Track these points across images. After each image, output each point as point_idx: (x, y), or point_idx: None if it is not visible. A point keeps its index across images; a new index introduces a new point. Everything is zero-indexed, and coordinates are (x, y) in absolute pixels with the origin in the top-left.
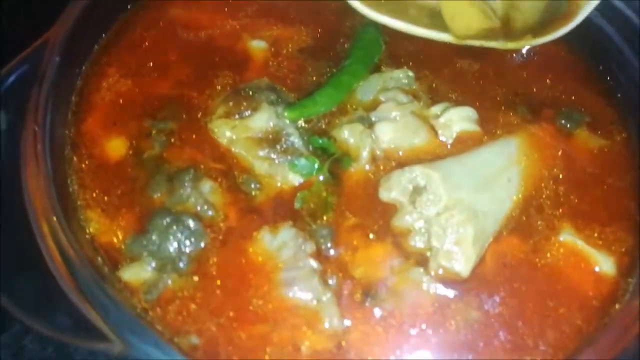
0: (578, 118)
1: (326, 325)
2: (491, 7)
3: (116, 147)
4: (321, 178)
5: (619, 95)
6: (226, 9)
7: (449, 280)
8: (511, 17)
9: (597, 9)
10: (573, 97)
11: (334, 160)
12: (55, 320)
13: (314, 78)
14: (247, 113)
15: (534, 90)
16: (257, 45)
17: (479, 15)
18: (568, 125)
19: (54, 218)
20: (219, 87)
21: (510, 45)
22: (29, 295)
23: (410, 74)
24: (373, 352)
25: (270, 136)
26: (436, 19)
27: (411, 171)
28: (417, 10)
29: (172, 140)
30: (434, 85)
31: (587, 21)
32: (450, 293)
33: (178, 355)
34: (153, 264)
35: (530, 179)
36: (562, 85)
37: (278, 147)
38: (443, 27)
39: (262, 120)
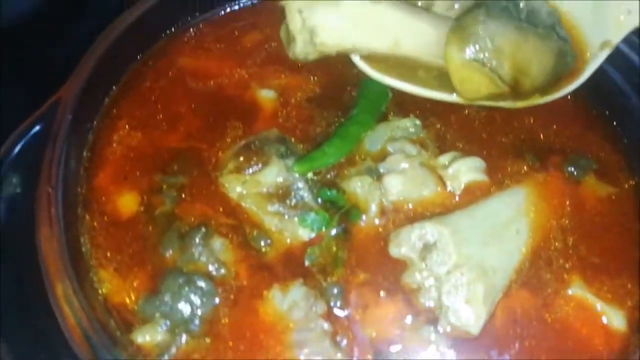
0: (585, 165)
1: None
2: (499, 75)
3: (128, 203)
4: (333, 232)
5: (625, 140)
6: (235, 57)
7: (460, 338)
8: (520, 81)
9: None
10: (580, 143)
11: (343, 213)
12: None
13: (322, 128)
14: (257, 167)
15: (541, 136)
16: (266, 95)
17: (487, 81)
18: (575, 173)
19: (68, 281)
20: (228, 140)
21: (519, 104)
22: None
23: (418, 122)
24: None
25: (280, 191)
26: (445, 80)
27: (421, 227)
28: (425, 72)
29: (183, 195)
30: (441, 133)
31: None
32: (461, 351)
33: None
34: (166, 326)
35: (539, 229)
36: (569, 131)
37: (288, 201)
38: (451, 88)
39: (272, 174)
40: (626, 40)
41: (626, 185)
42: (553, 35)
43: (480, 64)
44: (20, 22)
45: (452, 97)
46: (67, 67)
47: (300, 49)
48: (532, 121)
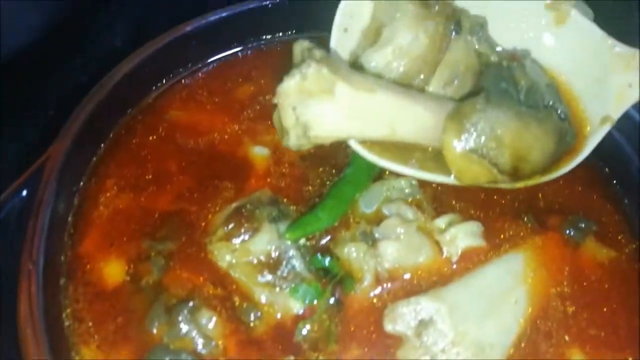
0: (585, 227)
1: None
2: (498, 167)
3: (113, 271)
4: (331, 301)
5: (626, 201)
6: (227, 111)
7: None
8: (519, 168)
9: None
10: (580, 204)
11: (337, 282)
12: None
13: (316, 187)
14: (248, 235)
15: (540, 196)
16: (259, 152)
17: (486, 172)
18: (575, 235)
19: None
20: (219, 201)
21: (519, 185)
22: None
23: (414, 182)
24: None
25: (271, 260)
26: (441, 160)
27: (416, 303)
28: (421, 153)
29: (171, 263)
30: (438, 193)
31: None
32: None
33: None
34: None
35: (538, 298)
36: (568, 190)
37: (279, 272)
38: (448, 169)
39: (263, 242)
40: None
41: (627, 250)
42: (553, 115)
43: (479, 156)
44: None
45: (450, 179)
46: (59, 111)
47: (294, 142)
48: None
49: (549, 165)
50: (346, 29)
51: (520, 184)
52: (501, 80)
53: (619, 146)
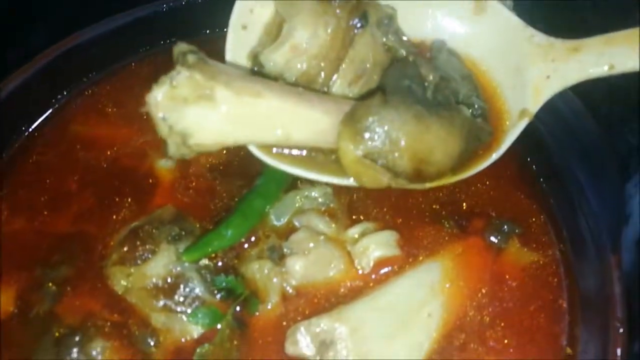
0: (509, 230)
1: None
2: (394, 171)
3: (2, 303)
4: (233, 323)
5: (551, 200)
6: (132, 122)
7: None
8: (422, 169)
9: None
10: (504, 204)
11: (241, 302)
12: None
13: (225, 201)
14: (143, 258)
15: (462, 198)
16: (164, 165)
17: (382, 175)
18: (498, 240)
19: None
20: (120, 221)
21: (429, 185)
22: None
23: (329, 190)
24: None
25: (167, 284)
26: None
27: (317, 324)
28: (324, 156)
29: (66, 289)
30: (353, 200)
31: None
32: None
33: None
34: None
35: (454, 309)
36: (494, 190)
37: (176, 297)
38: None
39: (159, 266)
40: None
41: (550, 252)
42: (462, 114)
43: (373, 161)
44: None
45: (352, 182)
46: None
47: (174, 152)
48: (454, 182)
49: (460, 164)
50: (245, 25)
51: (430, 184)
52: (404, 78)
53: (546, 142)
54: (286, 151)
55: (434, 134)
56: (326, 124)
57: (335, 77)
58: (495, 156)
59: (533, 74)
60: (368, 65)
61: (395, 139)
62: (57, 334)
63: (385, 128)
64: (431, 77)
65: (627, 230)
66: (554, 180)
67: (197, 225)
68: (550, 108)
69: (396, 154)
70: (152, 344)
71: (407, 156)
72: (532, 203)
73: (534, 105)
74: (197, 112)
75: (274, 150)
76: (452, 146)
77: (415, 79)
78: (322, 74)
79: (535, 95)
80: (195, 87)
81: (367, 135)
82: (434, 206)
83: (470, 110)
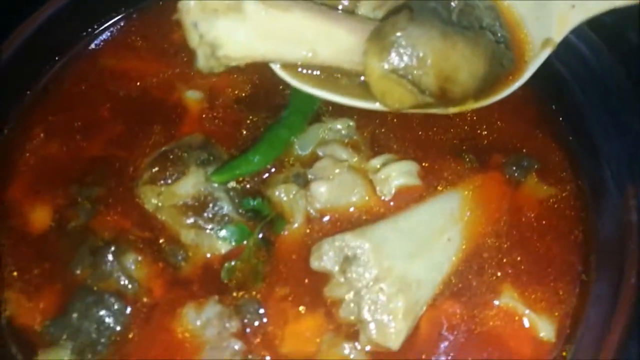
0: (528, 165)
1: None
2: (420, 87)
3: (40, 217)
4: (260, 241)
5: (570, 138)
6: (161, 56)
7: (380, 353)
8: (448, 89)
9: None
10: (524, 141)
11: (267, 223)
12: None
13: (251, 131)
14: (174, 178)
15: (484, 134)
16: (192, 96)
17: (408, 93)
18: (517, 174)
19: None
20: (149, 146)
21: (452, 110)
22: None
23: (351, 123)
24: None
25: (197, 202)
26: (368, 87)
27: (341, 240)
28: (348, 79)
29: (99, 207)
30: (376, 134)
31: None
32: None
33: None
34: (71, 347)
35: (473, 236)
36: (514, 128)
37: (205, 214)
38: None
39: (189, 185)
40: (576, 31)
41: (568, 187)
42: (486, 37)
43: (401, 76)
44: None
45: (376, 106)
46: None
47: (203, 63)
48: (475, 118)
49: (483, 90)
50: None
51: (453, 110)
52: (430, 0)
53: (567, 82)
54: (311, 72)
55: (460, 53)
56: (352, 43)
57: (359, 2)
58: (517, 84)
59: (558, 3)
60: None
61: (422, 56)
62: (92, 246)
63: (412, 44)
64: (456, 2)
65: None
66: (573, 120)
67: (225, 152)
68: (571, 49)
69: (422, 70)
70: (181, 258)
71: (433, 73)
72: (551, 141)
73: (558, 34)
74: (226, 23)
75: (299, 70)
76: (476, 66)
77: (440, 2)
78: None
79: (560, 24)
80: None
81: (393, 51)
82: (454, 141)
83: (495, 40)
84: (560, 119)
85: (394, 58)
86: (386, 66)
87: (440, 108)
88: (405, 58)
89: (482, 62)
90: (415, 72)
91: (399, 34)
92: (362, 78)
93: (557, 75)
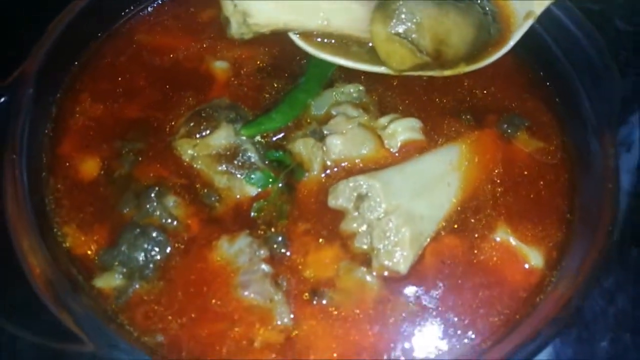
0: (519, 123)
1: (277, 322)
2: (419, 47)
3: (89, 168)
4: (283, 186)
5: (557, 100)
6: (190, 33)
7: (390, 277)
8: (442, 51)
9: (540, 20)
10: (516, 103)
11: (289, 171)
12: (37, 328)
13: (272, 96)
14: (207, 132)
15: (480, 97)
16: (219, 66)
17: (410, 54)
18: (509, 130)
19: (33, 236)
20: (183, 109)
21: (446, 73)
22: (14, 307)
23: (361, 88)
24: (318, 344)
25: (229, 152)
26: (375, 53)
27: (355, 181)
28: (358, 47)
29: (140, 158)
30: (383, 97)
31: (531, 31)
32: (391, 289)
33: (141, 355)
34: (123, 272)
35: (470, 182)
36: (507, 92)
37: (236, 162)
38: (382, 61)
39: (221, 138)
40: (561, 6)
41: (554, 142)
42: (475, 9)
43: (402, 38)
44: None
45: (382, 69)
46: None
47: (235, 30)
48: (471, 83)
49: (473, 55)
50: None
51: (447, 72)
52: None
53: (553, 52)
54: (326, 41)
55: (452, 19)
56: (361, 13)
57: None
58: (504, 50)
59: None
60: None
61: (419, 21)
62: (136, 190)
63: (411, 11)
64: None
65: (629, 157)
66: (559, 85)
67: (250, 113)
68: (557, 22)
69: (420, 34)
70: (214, 200)
71: (429, 36)
72: (540, 103)
73: (539, 7)
74: None
75: (315, 40)
76: (466, 32)
77: None
78: None
79: None
80: None
81: (395, 17)
82: (453, 103)
83: (482, 12)
84: (548, 84)
85: (396, 23)
86: (390, 30)
87: (436, 70)
88: (406, 23)
89: (471, 29)
90: (414, 34)
91: (400, 3)
92: (370, 44)
93: (546, 46)
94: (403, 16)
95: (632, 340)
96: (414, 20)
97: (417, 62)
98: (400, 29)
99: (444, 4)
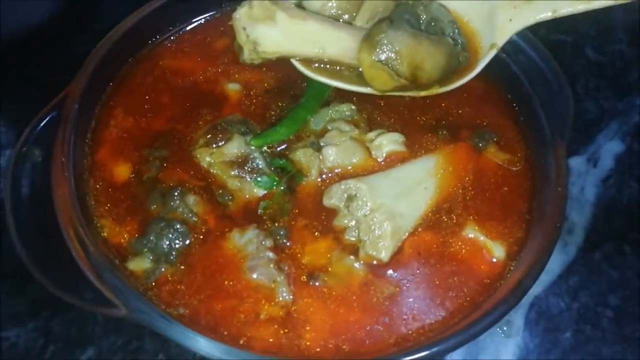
0: (489, 137)
1: (279, 299)
2: (397, 72)
3: (122, 171)
4: (285, 188)
5: (522, 119)
6: (207, 58)
7: (374, 264)
8: (417, 75)
9: (506, 50)
10: (487, 121)
11: (290, 176)
12: (82, 296)
13: (277, 113)
14: (222, 143)
15: (455, 116)
16: (232, 88)
17: (390, 78)
18: (480, 144)
19: (78, 226)
20: (201, 122)
21: (423, 93)
22: (64, 279)
23: (353, 107)
24: (313, 318)
25: (240, 160)
26: (363, 77)
27: (346, 184)
28: (348, 71)
29: (165, 164)
30: (372, 115)
31: (501, 61)
32: (374, 274)
33: (162, 316)
34: (151, 257)
35: (445, 187)
36: (479, 111)
37: (246, 168)
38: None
39: (233, 147)
40: (526, 38)
41: (519, 154)
42: (445, 40)
43: (384, 64)
44: (35, 33)
45: (368, 90)
46: (75, 67)
47: (247, 56)
48: (448, 104)
49: (445, 78)
50: None
51: (423, 93)
52: (405, 13)
53: (518, 76)
54: (321, 66)
55: (425, 49)
56: (350, 43)
57: (356, 18)
58: (471, 74)
59: (500, 18)
60: (380, 9)
61: (398, 50)
62: (162, 190)
63: (391, 42)
64: (424, 16)
65: (596, 171)
66: (523, 104)
67: (258, 128)
68: (522, 52)
69: (398, 61)
70: (228, 199)
71: (406, 63)
72: (507, 121)
73: (500, 40)
74: (264, 28)
75: (314, 65)
76: (438, 59)
77: (413, 15)
78: (347, 15)
79: (501, 33)
80: (264, 10)
81: (378, 47)
82: (432, 121)
83: (453, 43)
84: (514, 104)
85: (379, 52)
86: (374, 58)
87: (414, 91)
88: (387, 52)
89: (442, 57)
90: (393, 62)
91: (382, 35)
92: (359, 69)
93: (513, 73)
94: (385, 46)
95: (592, 332)
96: (394, 50)
97: (397, 85)
98: (383, 57)
99: (419, 35)
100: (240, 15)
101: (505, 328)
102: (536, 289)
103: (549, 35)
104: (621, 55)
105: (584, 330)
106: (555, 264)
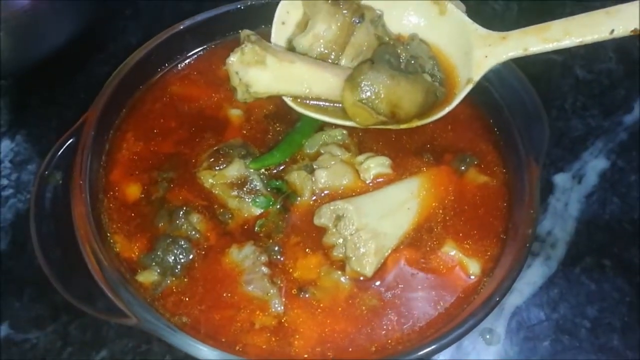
0: (470, 161)
1: (272, 309)
2: (377, 110)
3: (133, 191)
4: (280, 207)
5: (501, 143)
6: (212, 85)
7: (359, 279)
8: (396, 112)
9: (489, 79)
10: (468, 145)
11: (285, 196)
12: (95, 306)
13: (274, 137)
14: (224, 166)
15: (439, 140)
16: (234, 113)
17: (370, 115)
18: (462, 167)
19: (93, 242)
20: (205, 146)
21: (402, 126)
22: (79, 290)
23: (344, 132)
24: (302, 327)
25: (240, 181)
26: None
27: (334, 205)
28: (334, 107)
29: (172, 185)
30: (362, 139)
31: (484, 89)
32: (359, 288)
33: (169, 325)
34: (158, 271)
35: (426, 207)
36: (462, 137)
37: (245, 189)
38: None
39: (234, 170)
40: (507, 68)
41: (498, 176)
42: (423, 78)
43: (364, 104)
44: (57, 56)
45: (351, 123)
46: (90, 86)
47: (240, 96)
48: (434, 128)
49: (423, 113)
50: (284, 22)
51: (403, 126)
52: (386, 54)
53: (498, 104)
54: (310, 102)
55: (403, 88)
56: (335, 82)
57: (342, 55)
58: (448, 108)
59: (476, 54)
60: (364, 48)
61: (377, 91)
62: (168, 209)
63: (371, 83)
64: (404, 55)
65: (580, 188)
66: (503, 130)
67: (257, 151)
68: (503, 81)
69: (378, 100)
70: (228, 218)
71: (385, 102)
72: (489, 145)
73: (476, 75)
74: (255, 71)
75: (304, 101)
76: (415, 97)
77: (393, 55)
78: (333, 54)
79: (477, 68)
80: (255, 55)
81: (360, 88)
82: (417, 145)
83: (432, 79)
84: (495, 129)
85: (359, 92)
86: (355, 97)
87: (393, 125)
88: (367, 92)
89: (420, 94)
90: (373, 101)
91: (363, 76)
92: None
93: (494, 100)
94: (365, 87)
95: (569, 342)
96: (374, 91)
97: (377, 121)
98: (363, 97)
99: (397, 76)
100: (233, 61)
101: (487, 336)
102: (518, 299)
103: (540, 54)
104: (609, 74)
105: (561, 340)
106: (537, 276)
